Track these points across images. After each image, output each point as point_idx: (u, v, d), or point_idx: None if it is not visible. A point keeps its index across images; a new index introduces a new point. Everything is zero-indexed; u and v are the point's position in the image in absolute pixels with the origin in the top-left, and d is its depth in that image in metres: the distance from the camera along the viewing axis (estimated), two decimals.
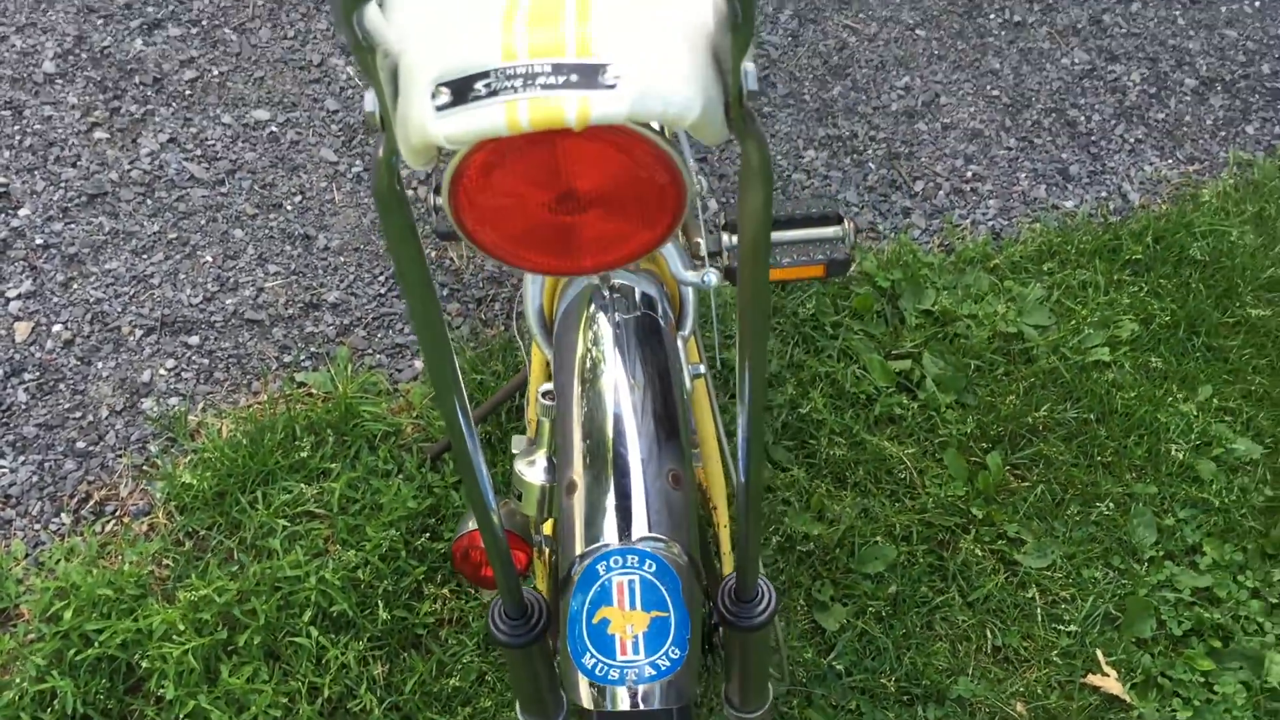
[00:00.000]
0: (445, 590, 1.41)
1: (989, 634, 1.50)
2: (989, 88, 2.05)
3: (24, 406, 1.50)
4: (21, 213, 1.64)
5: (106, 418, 1.51)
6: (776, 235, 1.20)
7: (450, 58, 0.53)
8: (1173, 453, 1.67)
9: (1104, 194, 1.97)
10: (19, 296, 1.57)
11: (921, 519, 1.56)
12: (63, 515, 1.43)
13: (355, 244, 1.70)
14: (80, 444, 1.49)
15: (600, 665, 0.80)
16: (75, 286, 1.60)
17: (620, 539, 0.83)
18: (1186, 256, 1.87)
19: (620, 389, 0.92)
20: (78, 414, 1.51)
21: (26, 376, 1.52)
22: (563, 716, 1.08)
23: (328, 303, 1.65)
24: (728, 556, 1.09)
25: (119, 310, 1.59)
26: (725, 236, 1.11)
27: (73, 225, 1.65)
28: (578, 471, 0.89)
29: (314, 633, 1.34)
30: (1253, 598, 1.58)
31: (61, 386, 1.52)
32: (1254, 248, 1.90)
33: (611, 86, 0.52)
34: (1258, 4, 2.29)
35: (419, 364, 1.61)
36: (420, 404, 1.55)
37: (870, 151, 1.92)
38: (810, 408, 1.61)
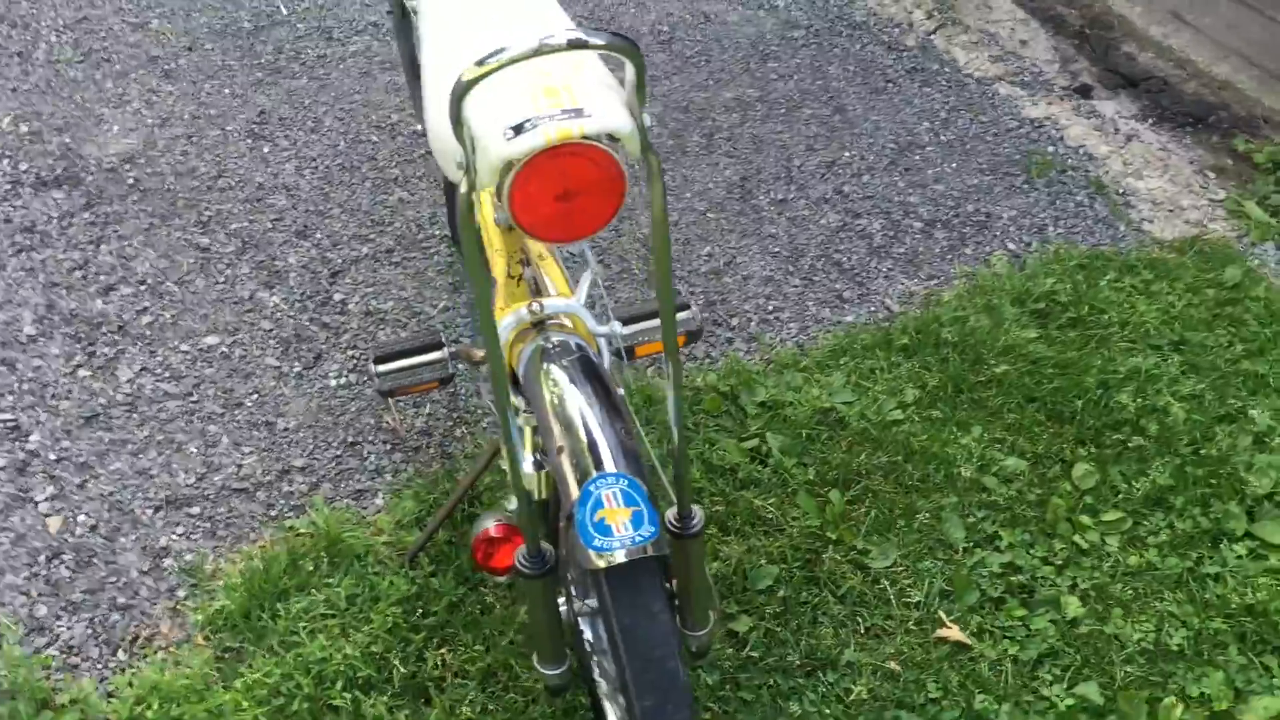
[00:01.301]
0: (443, 651, 1.78)
1: (859, 619, 1.96)
2: (771, 246, 2.66)
3: (69, 580, 1.83)
4: (32, 438, 2.01)
5: (137, 578, 1.85)
6: (644, 325, 1.71)
7: (510, 117, 1.02)
8: (963, 473, 2.20)
9: (872, 308, 2.57)
10: (46, 499, 1.92)
11: (792, 545, 2.03)
12: (119, 653, 1.75)
13: (309, 423, 2.12)
14: (120, 600, 1.82)
15: (603, 542, 1.23)
16: (90, 485, 1.96)
17: (597, 470, 1.28)
18: (942, 339, 2.46)
19: (580, 399, 1.37)
20: (113, 579, 1.85)
21: (65, 557, 1.86)
22: (568, 665, 1.49)
23: (296, 468, 2.05)
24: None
25: (129, 497, 1.95)
26: (616, 324, 1.59)
27: (78, 442, 2.01)
28: (562, 445, 1.33)
29: (348, 695, 1.69)
30: (1043, 564, 2.09)
31: (95, 561, 1.86)
32: (989, 327, 2.51)
33: (590, 116, 1.02)
34: (954, 165, 3.01)
35: (380, 501, 2.02)
36: (389, 527, 1.95)
37: (691, 303, 2.48)
38: (692, 479, 2.09)
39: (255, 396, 2.14)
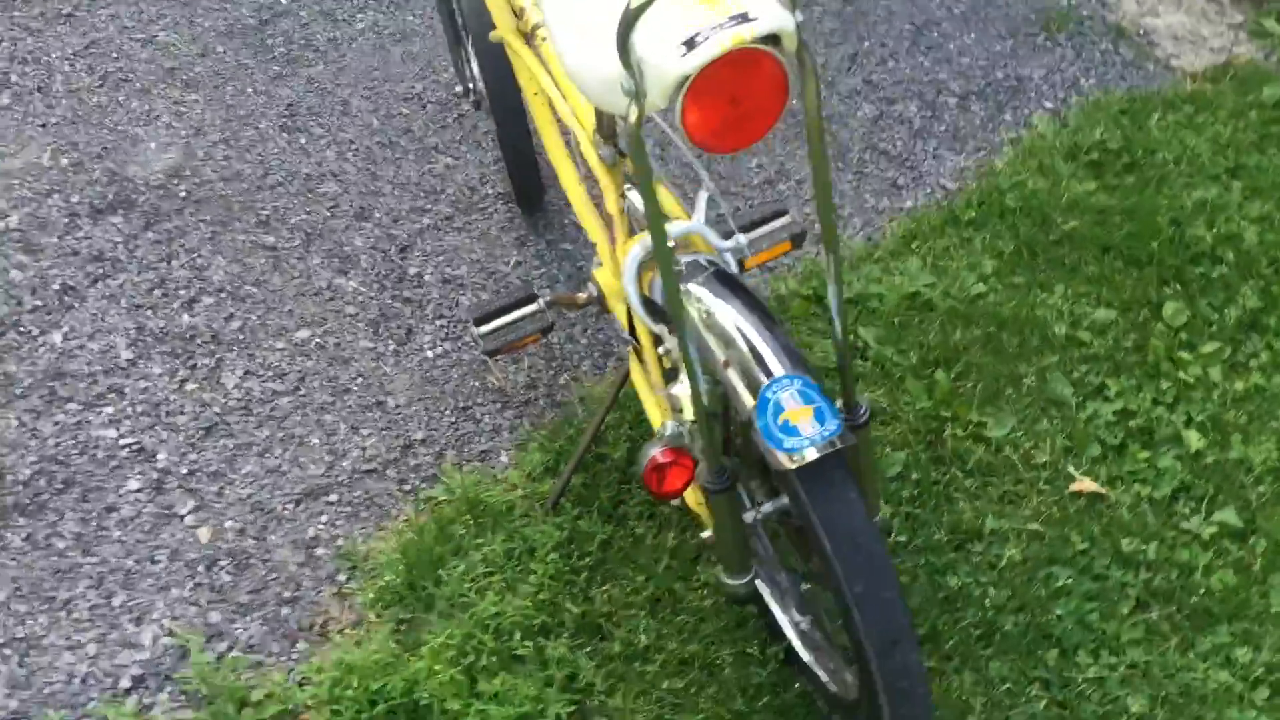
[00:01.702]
0: (607, 587, 1.84)
1: (991, 488, 2.01)
2: None
3: (232, 584, 1.88)
4: (160, 457, 2.04)
5: (296, 570, 1.90)
6: (763, 230, 1.73)
7: (680, 33, 1.03)
8: (1057, 332, 2.24)
9: (928, 190, 2.60)
10: (189, 512, 1.96)
11: (910, 429, 2.07)
12: (299, 644, 1.80)
13: (417, 397, 2.15)
14: (285, 594, 1.87)
15: (793, 442, 1.27)
16: (228, 491, 2.00)
17: (769, 375, 1.31)
18: (1006, 207, 2.49)
19: (731, 311, 1.40)
20: (273, 576, 1.89)
21: (223, 564, 1.90)
22: (753, 574, 1.53)
23: (417, 440, 2.09)
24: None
25: (268, 496, 1.99)
26: (740, 236, 1.61)
27: (204, 453, 2.05)
28: (726, 359, 1.36)
29: (529, 643, 1.75)
30: (1154, 404, 2.14)
31: (252, 561, 1.91)
32: (1048, 187, 2.53)
33: (758, 19, 1.03)
34: (973, 35, 3.01)
35: (505, 459, 2.06)
36: (521, 481, 1.99)
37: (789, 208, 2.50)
38: None
39: (360, 380, 2.18)
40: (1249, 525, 1.93)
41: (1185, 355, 2.19)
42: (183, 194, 2.51)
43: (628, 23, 0.99)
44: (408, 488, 2.01)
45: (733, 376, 1.34)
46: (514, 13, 1.73)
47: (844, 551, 1.29)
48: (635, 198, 1.65)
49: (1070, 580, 1.85)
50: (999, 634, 1.79)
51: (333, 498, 1.99)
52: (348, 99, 2.77)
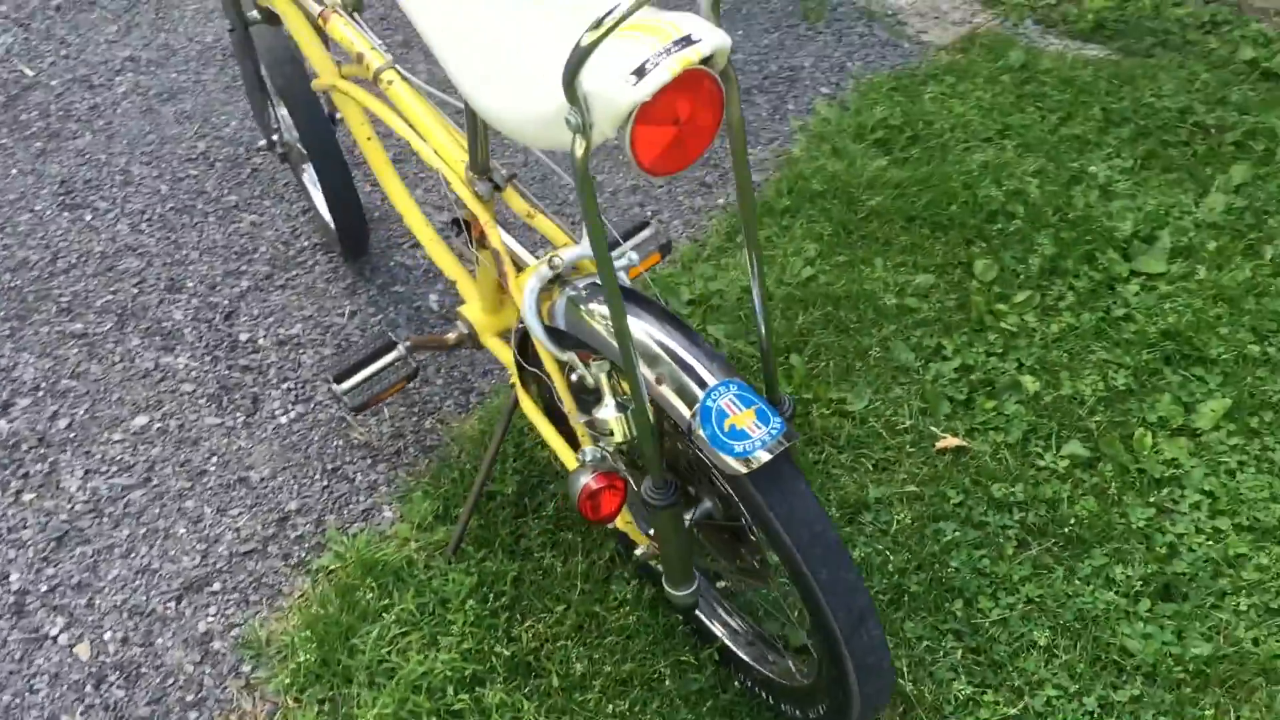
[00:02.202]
0: (529, 623, 1.81)
1: (864, 459, 2.09)
2: (620, 156, 2.72)
3: (126, 699, 1.75)
4: (12, 579, 1.88)
5: (193, 671, 1.79)
6: (641, 238, 1.75)
7: (628, 64, 1.03)
8: (888, 302, 2.36)
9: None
10: (61, 630, 1.81)
11: None
12: None
13: (281, 466, 2.06)
14: (189, 698, 1.75)
15: (744, 445, 1.29)
16: (98, 601, 1.86)
17: (704, 385, 1.33)
18: (814, 191, 2.60)
19: (643, 327, 1.41)
20: (170, 681, 1.77)
21: (111, 679, 1.77)
22: (696, 585, 1.55)
23: (293, 511, 2.00)
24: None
25: (144, 598, 1.86)
26: (632, 252, 1.61)
27: (61, 565, 1.90)
28: (656, 374, 1.37)
29: (464, 696, 1.71)
30: (987, 356, 2.28)
31: (144, 670, 1.78)
32: (845, 167, 2.66)
33: (700, 41, 1.05)
34: (741, 31, 3.13)
35: (389, 513, 2.00)
36: (412, 533, 1.94)
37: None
38: None
39: (215, 459, 2.07)
40: (1094, 453, 2.08)
41: (1002, 307, 2.35)
42: None
43: (578, 60, 0.99)
44: (294, 561, 1.93)
45: (666, 391, 1.36)
46: (354, 60, 1.68)
47: (804, 542, 1.32)
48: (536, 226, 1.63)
49: (957, 533, 1.95)
50: (906, 595, 1.87)
51: (215, 586, 1.88)
52: (126, 167, 2.62)
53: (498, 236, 1.55)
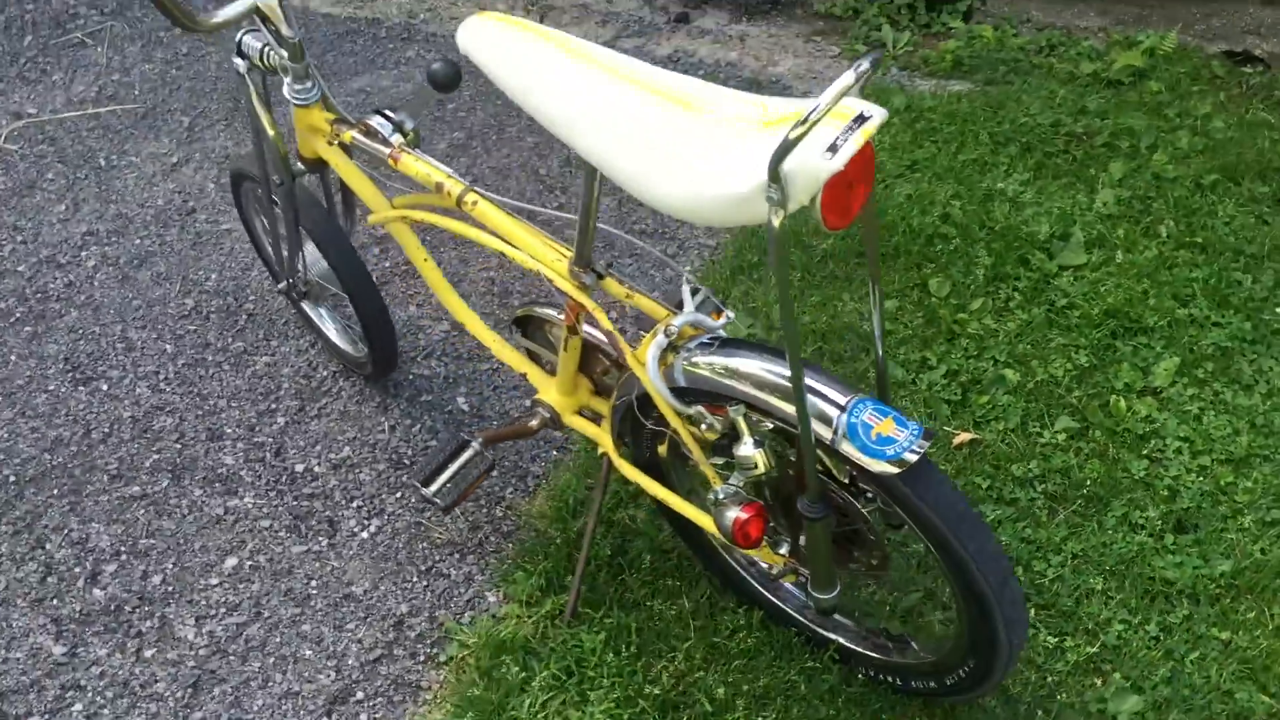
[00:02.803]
0: (662, 665, 1.99)
1: None
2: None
3: None
4: None
5: None
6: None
7: (823, 143, 1.25)
8: (867, 329, 2.64)
9: (695, 249, 2.93)
10: None
11: None
12: None
13: (379, 576, 2.19)
14: None
15: (893, 449, 1.52)
16: None
17: (841, 405, 1.56)
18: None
19: (762, 365, 1.63)
20: None
21: None
22: (839, 590, 1.77)
23: (405, 614, 2.13)
24: None
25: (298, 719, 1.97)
26: (729, 312, 1.82)
27: (205, 706, 1.98)
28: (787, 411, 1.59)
29: None
30: (966, 359, 2.58)
31: None
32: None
33: (871, 117, 1.29)
34: None
35: (492, 598, 2.15)
36: (521, 611, 2.09)
37: None
38: None
39: (314, 583, 2.18)
40: (1083, 423, 2.39)
41: (963, 315, 2.65)
42: (11, 479, 2.37)
43: (786, 149, 1.22)
44: (422, 658, 2.06)
45: (808, 420, 1.58)
46: (431, 190, 1.86)
47: (952, 521, 1.56)
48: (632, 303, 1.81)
49: (997, 512, 2.22)
50: None
51: (359, 695, 2.00)
52: (124, 334, 2.71)
53: (606, 319, 1.75)
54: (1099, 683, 1.96)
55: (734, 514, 1.71)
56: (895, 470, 1.52)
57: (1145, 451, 2.32)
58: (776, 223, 1.29)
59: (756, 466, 1.67)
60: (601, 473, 2.01)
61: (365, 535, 2.26)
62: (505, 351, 2.09)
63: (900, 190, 3.01)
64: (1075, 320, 2.62)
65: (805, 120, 1.21)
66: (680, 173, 1.37)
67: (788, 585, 2.02)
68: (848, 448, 1.54)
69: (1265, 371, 2.49)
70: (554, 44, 1.54)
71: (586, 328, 1.90)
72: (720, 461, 1.76)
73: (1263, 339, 2.56)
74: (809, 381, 1.59)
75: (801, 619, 2.00)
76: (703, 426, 1.72)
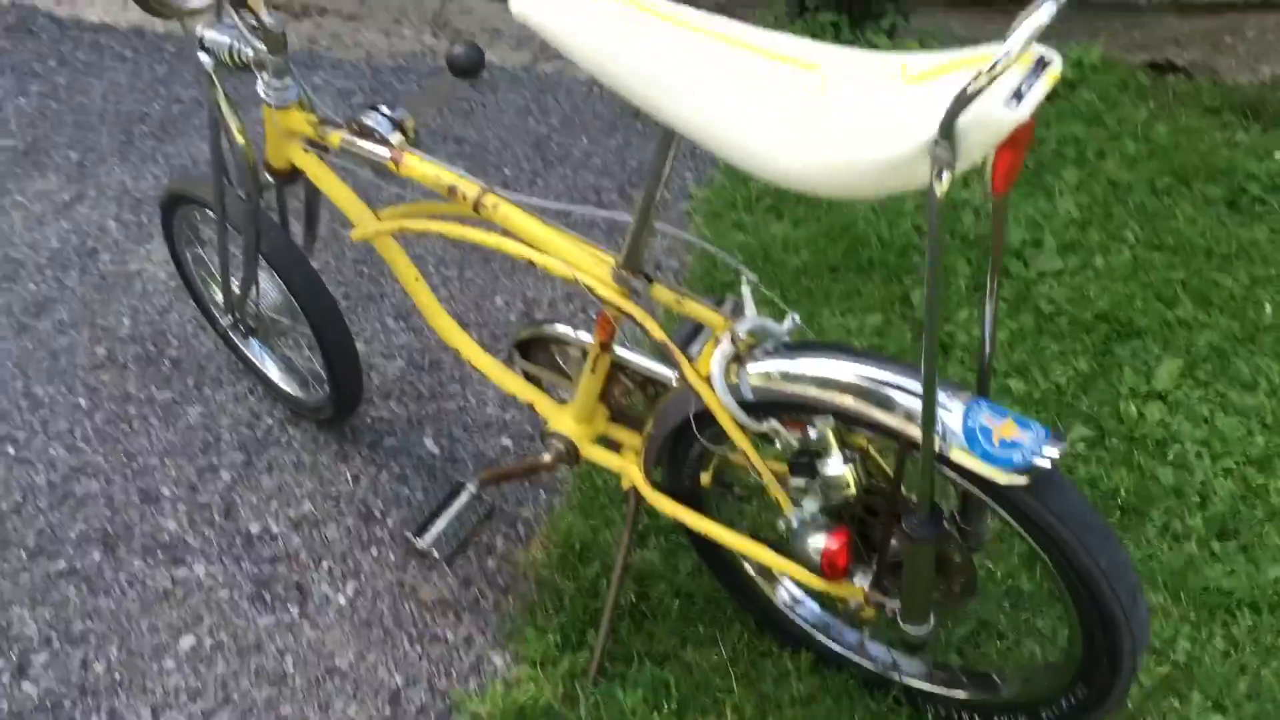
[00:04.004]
0: (711, 711, 1.75)
1: None
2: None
3: None
4: None
5: None
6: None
7: (1005, 91, 1.05)
8: (857, 344, 2.46)
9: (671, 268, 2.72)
10: None
11: None
12: None
13: (364, 644, 1.89)
14: None
15: (1020, 454, 1.33)
16: None
17: (956, 407, 1.35)
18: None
19: (848, 368, 1.41)
20: None
21: None
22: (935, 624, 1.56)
23: (399, 686, 1.83)
24: None
25: None
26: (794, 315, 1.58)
27: None
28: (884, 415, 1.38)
29: None
30: (966, 371, 2.42)
31: None
32: (748, 239, 2.77)
33: (1052, 61, 1.09)
34: (585, 140, 3.19)
35: (499, 661, 1.88)
36: (536, 675, 1.83)
37: None
38: None
39: (290, 657, 1.87)
40: (1098, 431, 2.25)
41: (951, 328, 2.50)
42: None
43: (965, 100, 1.02)
44: None
45: (907, 427, 1.37)
46: (444, 194, 1.61)
47: (1081, 534, 1.37)
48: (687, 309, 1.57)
49: None
50: (1023, 597, 1.95)
51: None
52: (27, 390, 2.35)
53: (660, 330, 1.52)
54: (1178, 704, 1.79)
55: (819, 543, 1.49)
56: (1023, 481, 1.32)
57: (1170, 458, 2.19)
58: (941, 189, 1.09)
59: (847, 486, 1.45)
60: (629, 509, 1.77)
61: (342, 600, 1.96)
62: (507, 379, 1.84)
63: (862, 203, 2.85)
64: (1066, 326, 2.49)
65: (993, 66, 1.01)
66: (814, 139, 1.16)
67: (836, 622, 1.81)
68: (966, 457, 1.34)
69: (1263, 370, 2.39)
70: (634, 3, 1.31)
71: (620, 346, 1.66)
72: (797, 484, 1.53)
73: (1251, 337, 2.47)
74: (908, 383, 1.38)
75: (859, 660, 1.78)
76: (777, 444, 1.50)
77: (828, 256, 2.68)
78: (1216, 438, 2.23)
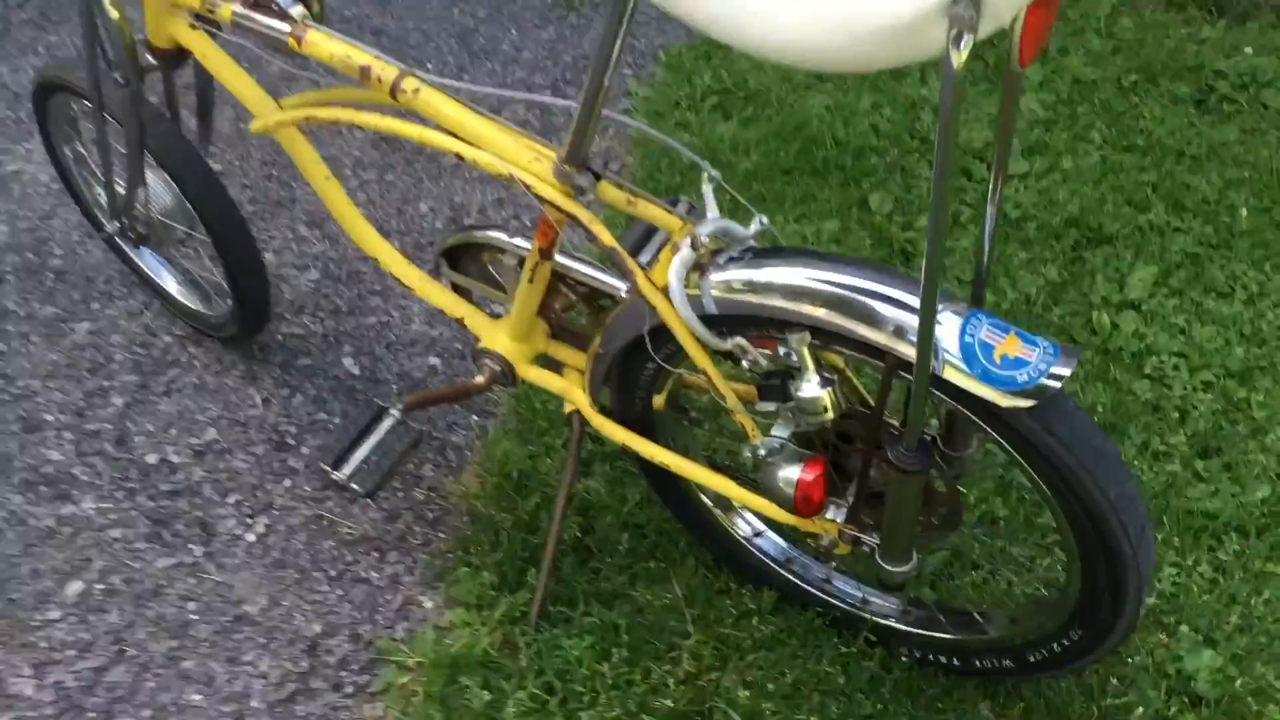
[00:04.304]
0: (667, 668, 1.58)
1: None
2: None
3: None
4: None
5: None
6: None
7: None
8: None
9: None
10: None
11: None
12: None
13: (277, 588, 1.69)
14: None
15: (1025, 374, 1.16)
16: None
17: (944, 323, 1.18)
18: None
19: (830, 273, 1.23)
20: None
21: None
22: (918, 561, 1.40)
23: (317, 634, 1.65)
24: None
25: None
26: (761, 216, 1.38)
27: None
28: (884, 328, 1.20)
29: None
30: None
31: None
32: (697, 138, 2.56)
33: None
34: (514, 32, 2.94)
35: (430, 604, 1.69)
36: (473, 617, 1.65)
37: None
38: None
39: (193, 604, 1.67)
40: (1071, 343, 2.10)
41: (913, 234, 2.33)
42: None
43: None
44: (350, 690, 1.59)
45: (898, 343, 1.20)
46: (357, 77, 1.38)
47: (1089, 462, 1.21)
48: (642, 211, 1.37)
49: None
50: (1000, 521, 1.81)
51: None
52: None
53: (608, 233, 1.32)
54: (1165, 639, 1.66)
55: (791, 474, 1.31)
56: (1028, 403, 1.15)
57: (1146, 371, 2.05)
58: (959, 59, 0.90)
59: (824, 411, 1.27)
60: (572, 435, 1.58)
61: (251, 538, 1.76)
62: (433, 292, 1.63)
63: (815, 101, 2.65)
64: (1034, 232, 2.33)
65: None
66: (824, 5, 0.95)
67: (801, 556, 1.65)
68: (962, 378, 1.17)
69: (1239, 276, 2.26)
70: None
71: (561, 253, 1.46)
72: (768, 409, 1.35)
73: (1226, 243, 2.33)
74: (896, 293, 1.21)
75: (826, 597, 1.63)
76: (747, 363, 1.32)
77: (779, 159, 2.48)
78: (1194, 349, 2.10)
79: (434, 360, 2.06)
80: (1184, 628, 1.67)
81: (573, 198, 1.32)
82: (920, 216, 2.36)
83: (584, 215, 1.31)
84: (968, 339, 1.17)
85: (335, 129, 2.52)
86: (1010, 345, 1.17)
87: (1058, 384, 1.14)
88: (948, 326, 1.17)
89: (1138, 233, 2.33)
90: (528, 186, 1.32)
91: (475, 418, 1.96)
